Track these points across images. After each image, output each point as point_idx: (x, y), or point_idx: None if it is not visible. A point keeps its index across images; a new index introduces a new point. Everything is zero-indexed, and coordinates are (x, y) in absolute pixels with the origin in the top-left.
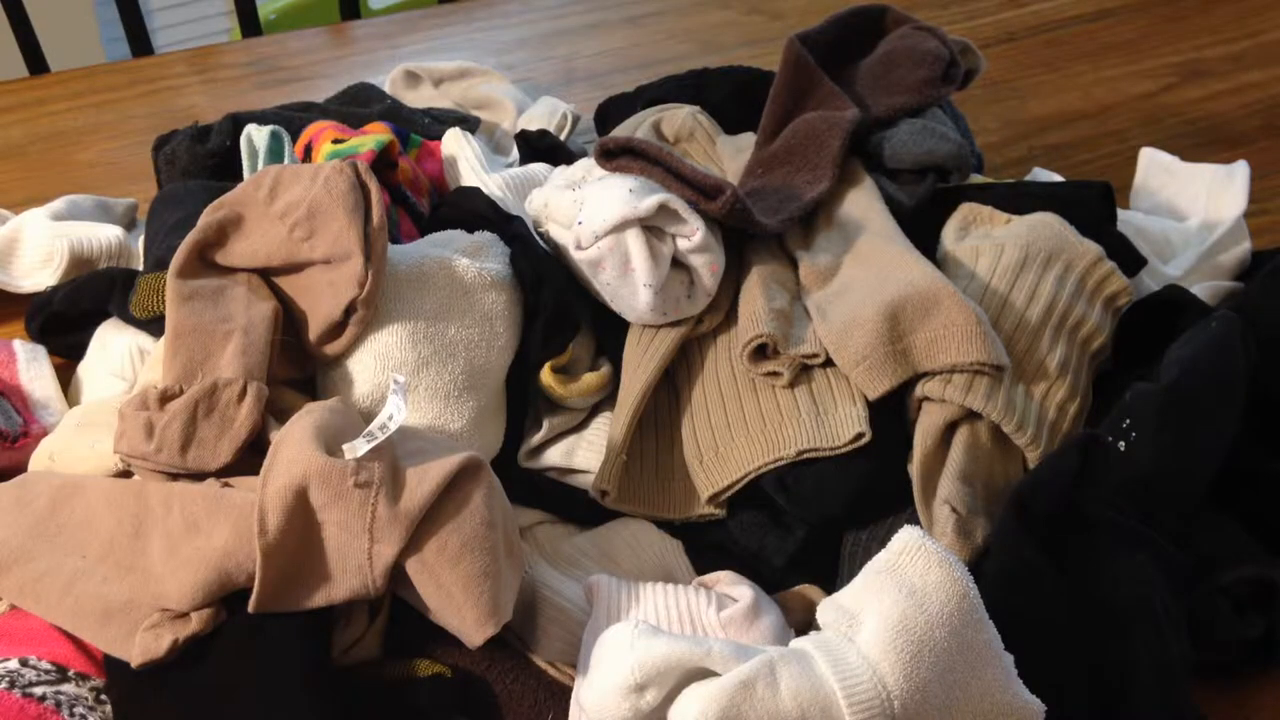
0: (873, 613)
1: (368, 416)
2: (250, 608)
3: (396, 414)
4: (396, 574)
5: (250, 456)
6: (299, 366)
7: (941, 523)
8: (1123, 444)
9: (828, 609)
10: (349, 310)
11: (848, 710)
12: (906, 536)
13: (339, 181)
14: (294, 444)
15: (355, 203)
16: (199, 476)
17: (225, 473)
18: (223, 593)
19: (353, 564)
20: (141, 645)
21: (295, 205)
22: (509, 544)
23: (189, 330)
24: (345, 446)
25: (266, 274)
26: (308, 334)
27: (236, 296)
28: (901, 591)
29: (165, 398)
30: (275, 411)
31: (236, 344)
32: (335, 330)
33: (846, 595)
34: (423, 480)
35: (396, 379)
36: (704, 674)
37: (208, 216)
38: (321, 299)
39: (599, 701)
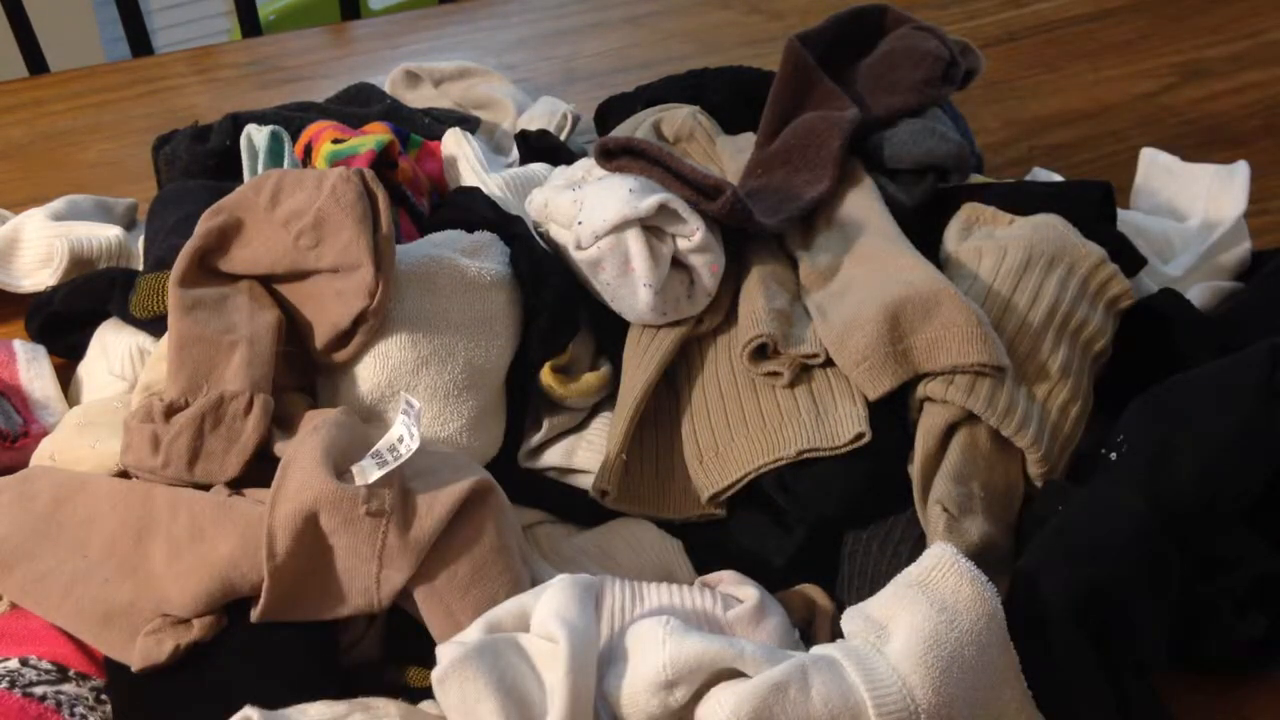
0: (903, 625)
1: (368, 415)
2: (253, 619)
3: (409, 440)
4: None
5: (256, 465)
6: (301, 374)
7: (933, 522)
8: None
9: (854, 618)
10: (358, 319)
11: None
12: (939, 552)
13: (347, 191)
14: (304, 468)
15: (364, 212)
16: (206, 487)
17: (232, 483)
18: (225, 600)
19: (359, 586)
20: (142, 650)
21: (300, 213)
22: (517, 566)
23: (193, 341)
24: (355, 469)
25: (268, 280)
26: (312, 341)
27: (239, 306)
28: (933, 607)
29: (171, 410)
30: (278, 417)
31: (242, 355)
32: (343, 339)
33: (874, 605)
34: (432, 507)
35: (410, 402)
36: (731, 675)
37: (206, 222)
38: (329, 307)
39: (629, 696)
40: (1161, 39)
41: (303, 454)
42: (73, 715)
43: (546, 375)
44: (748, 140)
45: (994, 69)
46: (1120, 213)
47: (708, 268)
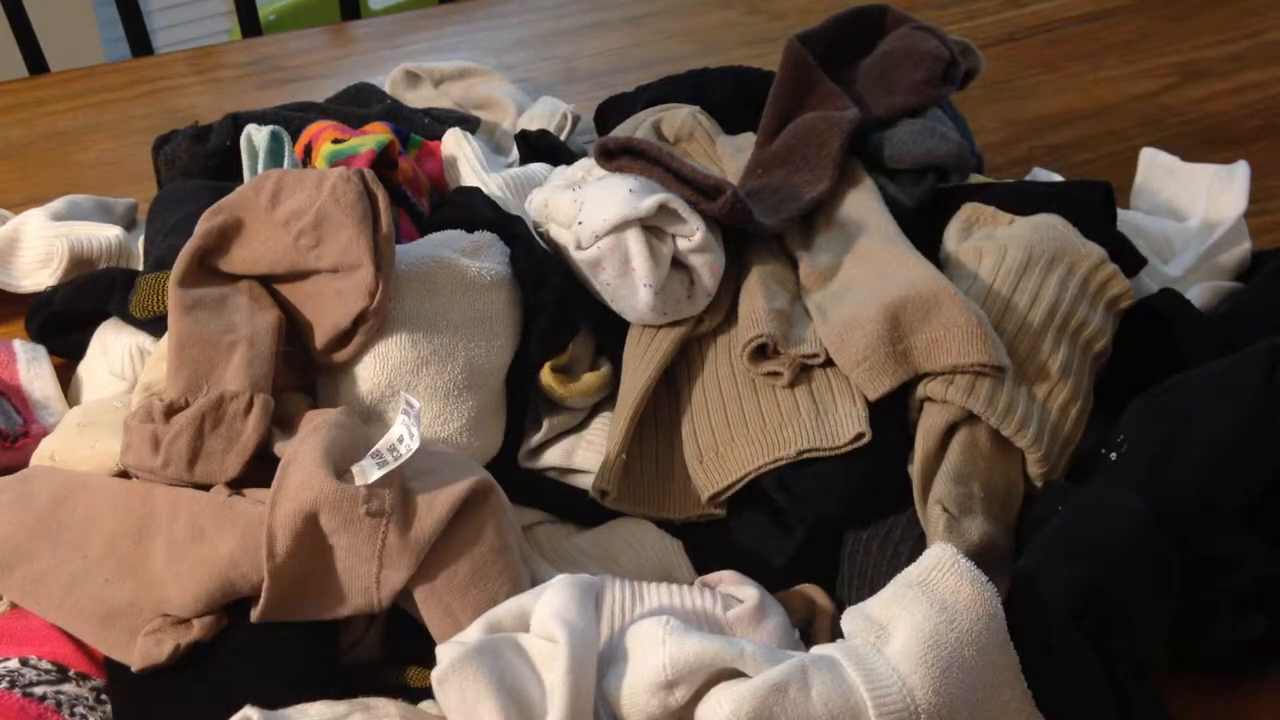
0: (903, 625)
1: (367, 415)
2: (253, 619)
3: (409, 440)
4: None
5: (256, 465)
6: (301, 374)
7: (933, 522)
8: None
9: (854, 617)
10: (358, 319)
11: None
12: (939, 552)
13: (347, 191)
14: (304, 468)
15: (364, 212)
16: (206, 487)
17: (232, 483)
18: (225, 600)
19: (359, 586)
20: (142, 650)
21: (300, 213)
22: (517, 566)
23: (193, 341)
24: (355, 469)
25: (268, 280)
26: (312, 341)
27: (239, 306)
28: (933, 607)
29: (171, 410)
30: (278, 417)
31: (242, 355)
32: (343, 338)
33: (874, 605)
34: (432, 507)
35: (410, 402)
36: (731, 675)
37: (206, 222)
38: (329, 308)
39: (629, 696)
40: (1161, 39)
41: (303, 454)
42: (73, 715)
43: (546, 375)
44: (748, 140)
45: (994, 69)
46: (1120, 213)
47: (708, 268)
